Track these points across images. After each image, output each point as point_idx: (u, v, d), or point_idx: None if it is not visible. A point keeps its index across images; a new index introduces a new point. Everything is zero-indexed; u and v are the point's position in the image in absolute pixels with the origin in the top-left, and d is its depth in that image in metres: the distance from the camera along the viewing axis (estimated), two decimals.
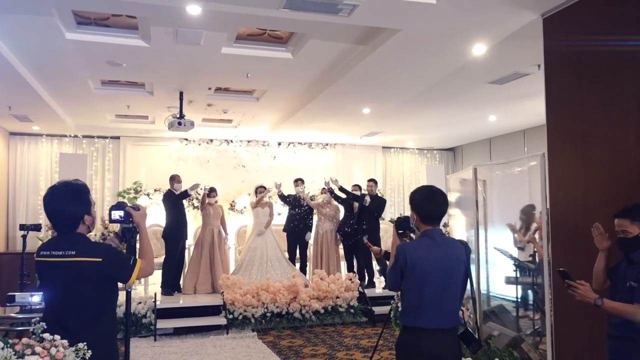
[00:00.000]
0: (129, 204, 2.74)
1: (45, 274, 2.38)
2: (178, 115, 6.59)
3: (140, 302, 6.87)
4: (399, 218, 2.92)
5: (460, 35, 4.49)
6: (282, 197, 8.71)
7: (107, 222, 8.31)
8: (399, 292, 2.68)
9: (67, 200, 2.39)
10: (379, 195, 8.75)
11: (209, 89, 6.70)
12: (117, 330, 2.59)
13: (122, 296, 2.77)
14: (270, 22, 4.51)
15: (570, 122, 3.74)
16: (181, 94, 6.64)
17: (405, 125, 8.79)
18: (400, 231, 2.86)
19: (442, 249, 2.54)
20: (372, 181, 8.56)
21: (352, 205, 8.40)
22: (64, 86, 6.36)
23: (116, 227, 8.21)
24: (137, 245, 2.68)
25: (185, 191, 7.95)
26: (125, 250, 2.74)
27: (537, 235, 5.97)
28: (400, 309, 5.35)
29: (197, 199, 9.11)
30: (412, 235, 2.94)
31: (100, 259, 2.33)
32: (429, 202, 2.60)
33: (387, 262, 7.62)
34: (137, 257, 2.53)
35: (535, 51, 4.91)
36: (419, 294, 2.51)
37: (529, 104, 7.10)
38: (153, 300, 6.88)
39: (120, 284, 2.51)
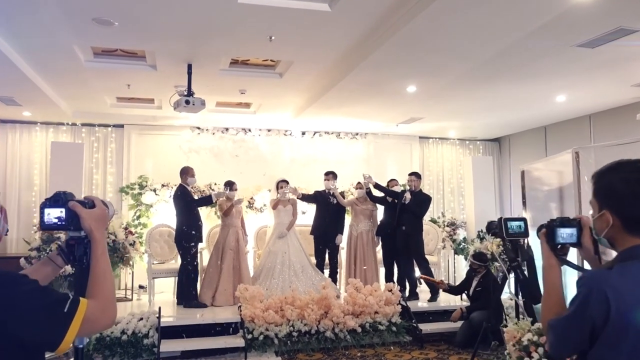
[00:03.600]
0: (78, 198, 1.54)
1: None
2: (186, 92, 5.40)
3: (141, 319, 5.73)
4: (552, 223, 1.63)
5: None
6: (305, 198, 7.52)
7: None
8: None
9: None
10: (422, 191, 7.44)
11: (223, 61, 5.53)
12: None
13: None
14: None
15: None
16: (189, 66, 5.46)
17: (452, 109, 7.50)
18: (557, 244, 1.60)
19: None
20: (414, 175, 7.30)
21: (394, 202, 7.17)
22: (46, 56, 5.22)
23: (117, 227, 7.03)
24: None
25: (209, 197, 6.83)
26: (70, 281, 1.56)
27: None
28: None
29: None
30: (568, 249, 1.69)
31: None
32: None
33: (428, 268, 6.22)
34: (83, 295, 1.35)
35: None
36: None
37: (617, 76, 5.75)
38: (157, 316, 5.73)
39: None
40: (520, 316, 3.76)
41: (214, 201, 6.90)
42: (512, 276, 3.73)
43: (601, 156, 3.89)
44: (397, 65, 5.33)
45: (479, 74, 5.65)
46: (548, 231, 1.61)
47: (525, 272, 3.83)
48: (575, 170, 3.99)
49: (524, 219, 3.24)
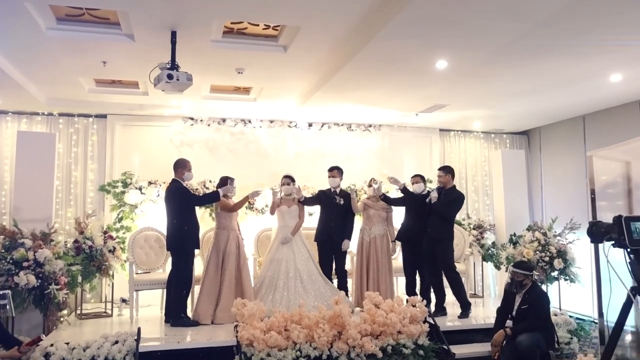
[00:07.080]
0: None
1: None
2: (169, 65, 4.39)
3: (116, 342, 4.74)
4: None
5: None
6: (307, 202, 6.52)
7: (83, 224, 6.20)
8: None
9: None
10: (455, 188, 6.36)
11: (215, 28, 4.53)
12: None
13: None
14: None
15: None
16: (173, 34, 4.47)
17: (483, 92, 6.44)
18: None
19: None
20: (443, 170, 6.26)
21: (417, 201, 6.16)
22: None
23: (96, 230, 6.03)
24: None
25: (216, 193, 5.83)
26: None
27: None
28: None
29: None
30: None
31: None
32: None
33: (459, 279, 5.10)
34: None
35: None
36: None
37: None
38: (135, 338, 4.73)
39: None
40: None
41: (221, 198, 5.88)
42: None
43: None
44: (426, 31, 4.32)
45: (527, 44, 4.63)
46: None
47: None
48: None
49: None
